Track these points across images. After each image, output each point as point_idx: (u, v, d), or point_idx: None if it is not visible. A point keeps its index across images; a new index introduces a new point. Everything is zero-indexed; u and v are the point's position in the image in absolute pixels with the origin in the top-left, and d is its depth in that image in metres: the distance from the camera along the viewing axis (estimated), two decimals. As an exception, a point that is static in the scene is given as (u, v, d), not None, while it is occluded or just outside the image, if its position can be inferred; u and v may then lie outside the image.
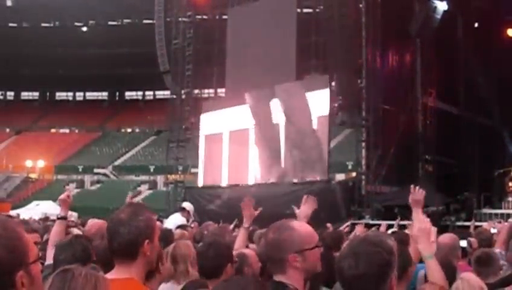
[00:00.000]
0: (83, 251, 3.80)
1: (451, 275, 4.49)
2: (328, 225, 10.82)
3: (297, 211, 4.77)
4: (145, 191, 46.95)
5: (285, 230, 3.07)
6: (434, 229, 6.46)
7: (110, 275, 2.89)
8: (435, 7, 27.40)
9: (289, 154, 27.13)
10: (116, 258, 2.95)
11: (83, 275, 2.23)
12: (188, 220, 11.94)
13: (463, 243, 7.11)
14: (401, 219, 21.78)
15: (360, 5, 26.99)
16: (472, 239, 7.37)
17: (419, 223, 4.18)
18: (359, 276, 2.48)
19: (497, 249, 6.15)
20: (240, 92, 29.36)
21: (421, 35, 27.92)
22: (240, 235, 5.67)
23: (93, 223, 5.14)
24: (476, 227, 11.21)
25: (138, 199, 42.94)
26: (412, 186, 4.86)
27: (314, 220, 3.29)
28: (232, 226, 12.32)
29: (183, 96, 33.74)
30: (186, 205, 13.57)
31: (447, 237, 6.09)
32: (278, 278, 3.04)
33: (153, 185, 47.67)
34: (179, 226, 9.05)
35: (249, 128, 28.70)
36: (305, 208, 4.74)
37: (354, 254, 2.53)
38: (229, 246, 4.70)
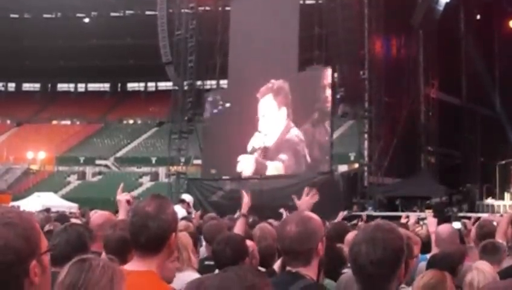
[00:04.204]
0: (77, 238, 3.76)
1: (451, 264, 4.51)
2: (340, 213, 10.83)
3: (298, 201, 4.78)
4: (147, 182, 46.92)
5: (309, 221, 3.14)
6: (434, 221, 6.51)
7: (128, 267, 2.89)
8: (438, -1, 27.39)
9: (291, 147, 27.14)
10: (139, 251, 2.92)
11: (100, 266, 2.20)
12: (188, 212, 11.96)
13: (457, 225, 7.18)
14: (403, 210, 21.93)
15: (363, -3, 26.98)
16: (467, 221, 7.41)
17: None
18: (376, 261, 2.54)
19: (499, 240, 6.18)
20: (242, 83, 29.38)
21: (423, 26, 27.90)
22: (239, 224, 5.66)
23: (99, 214, 5.11)
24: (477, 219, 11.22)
25: (139, 191, 43.00)
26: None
27: (317, 212, 3.31)
28: (235, 217, 12.37)
29: (186, 88, 33.72)
30: (186, 196, 13.62)
31: (446, 227, 6.15)
32: (294, 269, 3.09)
33: (154, 176, 47.62)
34: (183, 218, 9.08)
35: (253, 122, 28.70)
36: (308, 199, 4.74)
37: (371, 239, 2.59)
38: (244, 241, 4.72)
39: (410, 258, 4.25)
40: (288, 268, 3.15)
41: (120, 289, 2.22)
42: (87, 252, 3.55)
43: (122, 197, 4.42)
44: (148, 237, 2.86)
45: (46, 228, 6.43)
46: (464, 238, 6.23)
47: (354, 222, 13.23)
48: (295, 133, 26.87)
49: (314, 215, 3.22)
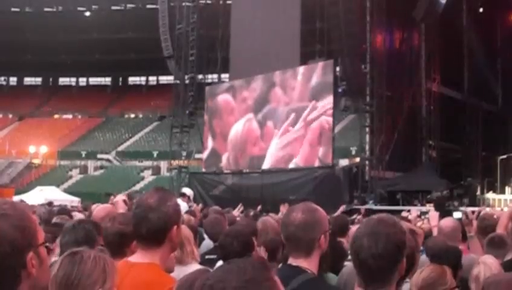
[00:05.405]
0: (85, 235, 3.78)
1: (455, 258, 4.51)
2: (341, 207, 10.79)
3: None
4: (148, 176, 46.98)
5: (315, 211, 3.15)
6: (436, 215, 6.52)
7: (132, 259, 2.93)
8: (440, -8, 27.32)
9: (292, 141, 27.10)
10: (141, 244, 2.94)
11: (91, 258, 2.24)
12: (189, 206, 11.99)
13: (458, 215, 7.15)
14: (404, 204, 21.92)
15: (365, -10, 26.91)
16: (468, 209, 7.39)
17: None
18: (378, 254, 2.53)
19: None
20: (243, 77, 29.36)
21: (425, 20, 27.84)
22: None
23: (101, 207, 5.10)
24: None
25: (141, 185, 43.04)
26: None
27: (319, 205, 3.30)
28: (236, 211, 12.39)
29: (187, 82, 33.69)
30: (186, 190, 13.63)
31: (448, 221, 6.14)
32: (295, 262, 3.08)
33: (156, 170, 47.67)
34: (187, 212, 9.10)
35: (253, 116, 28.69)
36: None
37: (373, 233, 2.57)
38: (251, 235, 4.74)
39: (417, 252, 4.24)
40: (289, 261, 3.14)
41: (113, 279, 2.25)
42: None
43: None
44: (149, 228, 2.88)
45: (54, 220, 6.44)
46: (465, 227, 6.23)
47: (354, 217, 13.21)
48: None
49: (320, 208, 3.22)
